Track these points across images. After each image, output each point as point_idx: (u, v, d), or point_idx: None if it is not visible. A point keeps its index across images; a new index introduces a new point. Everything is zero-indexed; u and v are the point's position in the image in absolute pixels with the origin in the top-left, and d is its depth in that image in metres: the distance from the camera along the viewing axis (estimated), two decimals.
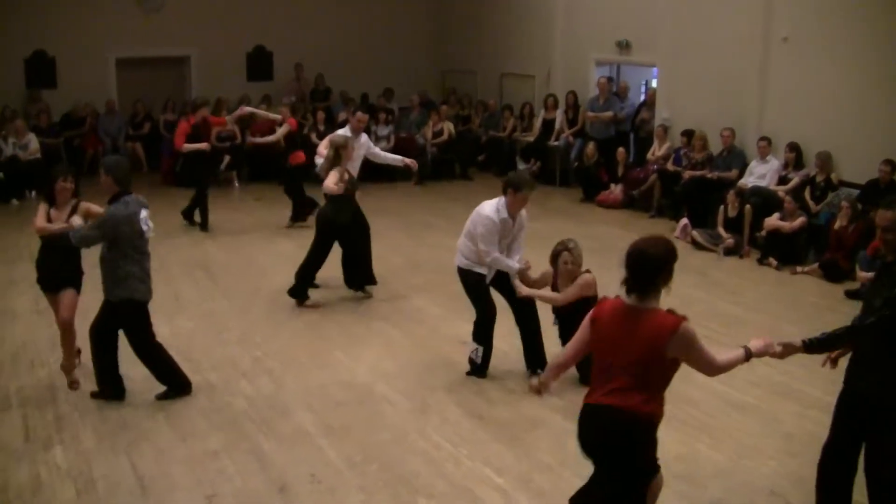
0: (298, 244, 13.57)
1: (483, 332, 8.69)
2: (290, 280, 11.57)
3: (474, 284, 8.68)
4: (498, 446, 7.27)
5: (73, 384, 8.29)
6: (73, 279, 8.32)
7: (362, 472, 6.85)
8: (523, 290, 8.37)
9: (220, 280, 11.92)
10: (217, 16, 20.59)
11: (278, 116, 15.33)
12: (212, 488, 6.59)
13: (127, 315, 7.92)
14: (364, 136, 11.58)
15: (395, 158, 12.05)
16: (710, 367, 5.06)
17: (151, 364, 8.16)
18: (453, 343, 9.57)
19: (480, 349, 8.70)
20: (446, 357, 9.18)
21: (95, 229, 7.73)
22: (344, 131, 11.32)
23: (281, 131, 14.93)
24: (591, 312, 5.16)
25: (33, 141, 16.80)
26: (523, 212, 8.56)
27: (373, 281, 11.28)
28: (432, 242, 13.72)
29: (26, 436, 7.43)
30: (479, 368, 8.71)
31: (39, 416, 7.77)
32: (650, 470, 5.08)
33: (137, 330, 8.04)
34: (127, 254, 7.74)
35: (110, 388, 8.11)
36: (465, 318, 10.22)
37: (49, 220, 8.10)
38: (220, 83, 20.23)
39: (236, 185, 18.17)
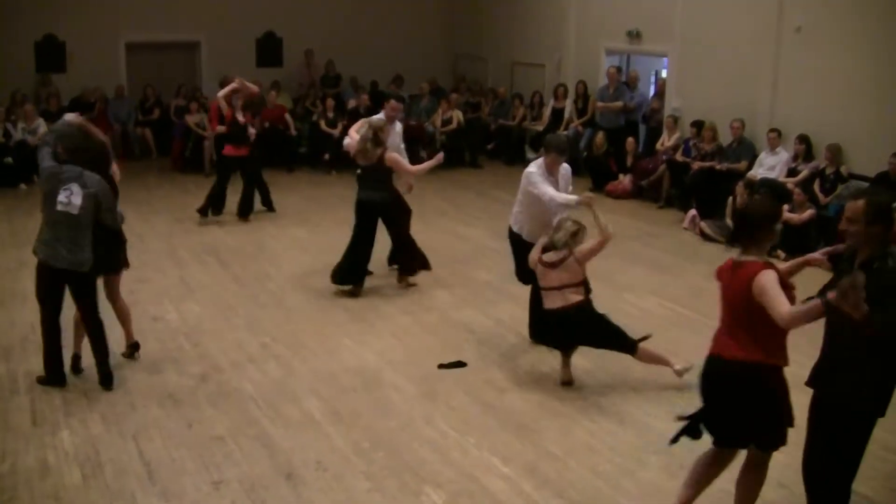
0: (309, 230, 13.66)
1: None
2: (300, 266, 11.62)
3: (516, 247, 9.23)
4: (505, 435, 7.27)
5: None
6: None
7: (369, 459, 6.86)
8: (586, 195, 9.02)
9: (229, 265, 11.93)
10: (228, 1, 20.57)
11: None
12: (218, 473, 6.61)
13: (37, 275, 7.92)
14: (398, 125, 11.53)
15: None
16: (781, 318, 5.07)
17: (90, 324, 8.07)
18: (462, 330, 9.57)
19: None
20: (455, 344, 9.18)
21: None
22: (379, 118, 11.23)
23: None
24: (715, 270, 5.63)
25: (42, 126, 16.76)
26: (563, 167, 9.12)
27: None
28: (442, 229, 13.71)
29: (34, 420, 7.45)
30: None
31: (47, 401, 7.79)
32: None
33: (36, 290, 7.97)
34: (46, 214, 7.77)
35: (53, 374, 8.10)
36: (474, 305, 10.26)
37: None
38: (230, 69, 20.09)
39: None
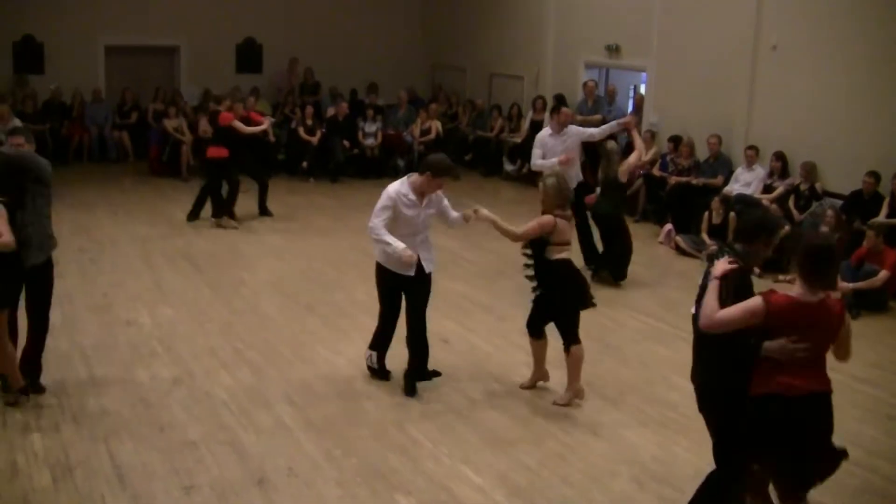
0: (285, 237, 13.63)
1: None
2: (274, 273, 11.61)
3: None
4: (477, 445, 7.27)
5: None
6: None
7: (340, 466, 6.85)
8: (483, 211, 8.01)
9: (203, 270, 11.89)
10: (208, 6, 20.57)
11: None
12: (189, 479, 6.58)
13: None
14: (572, 128, 12.07)
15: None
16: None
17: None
18: (436, 340, 9.54)
19: (374, 354, 8.56)
20: (429, 354, 9.15)
21: None
22: (545, 133, 11.93)
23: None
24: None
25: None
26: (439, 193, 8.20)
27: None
28: None
29: (4, 421, 7.37)
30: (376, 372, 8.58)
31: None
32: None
33: None
34: None
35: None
36: (449, 316, 10.26)
37: None
38: (208, 74, 20.24)
39: None
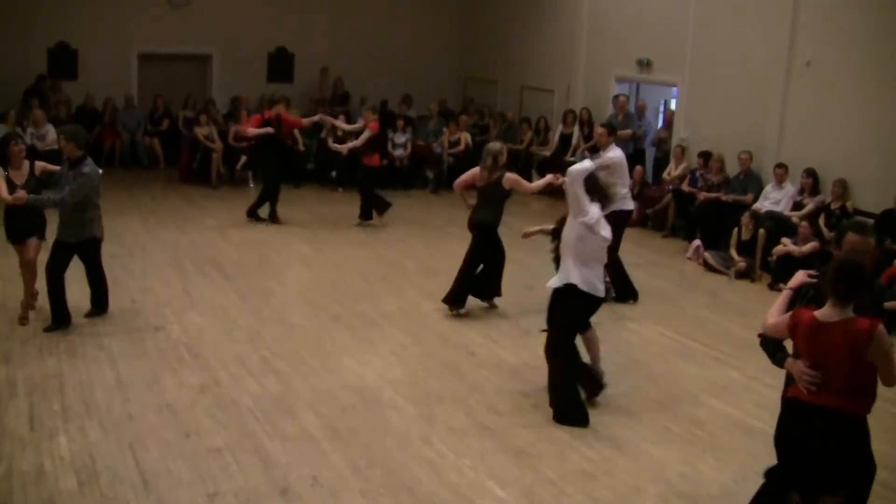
0: (314, 247, 13.66)
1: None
2: (303, 282, 11.64)
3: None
4: (502, 458, 7.25)
5: (24, 320, 9.71)
6: (40, 228, 9.83)
7: (365, 477, 6.85)
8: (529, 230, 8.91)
9: (232, 278, 11.93)
10: (241, 15, 20.69)
11: (357, 126, 15.96)
12: (214, 486, 6.60)
13: (94, 249, 9.72)
14: (614, 152, 11.28)
15: None
16: None
17: (101, 283, 10.02)
18: (463, 352, 9.56)
19: None
20: (455, 366, 9.17)
21: (80, 190, 9.18)
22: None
23: (364, 136, 15.09)
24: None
25: (51, 131, 16.78)
26: None
27: (499, 293, 11.11)
28: (446, 250, 13.69)
29: (32, 425, 7.44)
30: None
31: (46, 406, 7.79)
32: None
33: (98, 260, 9.84)
34: (91, 202, 9.43)
35: (63, 318, 9.58)
36: (475, 328, 10.25)
37: (10, 182, 9.39)
38: (240, 83, 20.38)
39: (251, 184, 18.18)
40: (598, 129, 11.76)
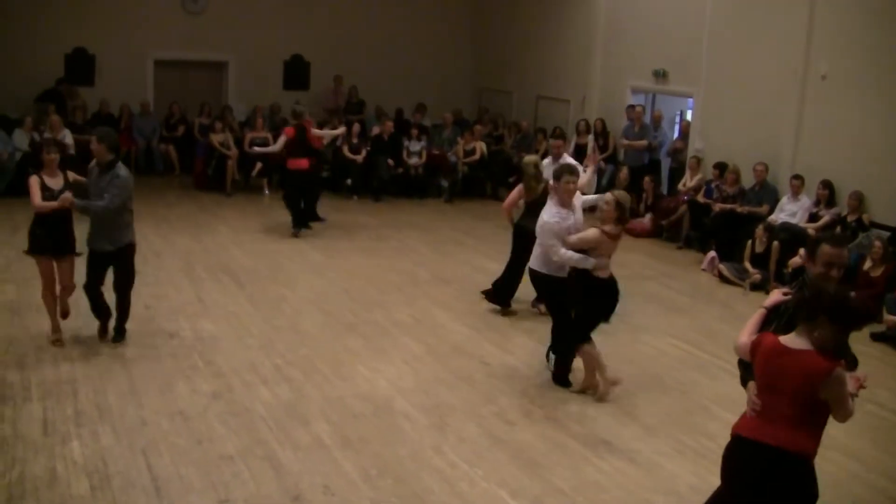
0: (327, 255, 13.67)
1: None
2: (315, 290, 11.65)
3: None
4: (513, 468, 7.24)
5: (59, 342, 9.35)
6: (72, 244, 9.37)
7: (376, 486, 6.84)
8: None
9: (245, 285, 11.95)
10: (257, 23, 20.77)
11: (338, 132, 16.80)
12: (225, 492, 6.60)
13: (130, 255, 9.34)
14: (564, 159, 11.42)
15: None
16: None
17: (128, 290, 9.50)
18: (476, 362, 9.55)
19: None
20: (468, 376, 9.16)
21: (120, 194, 8.93)
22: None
23: (280, 141, 14.96)
24: None
25: (68, 136, 16.88)
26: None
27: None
28: (460, 259, 13.71)
29: (45, 429, 7.46)
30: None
31: (59, 411, 7.81)
32: None
33: (132, 266, 9.45)
34: (127, 207, 9.12)
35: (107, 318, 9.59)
36: (488, 338, 10.24)
37: (47, 188, 9.00)
38: (256, 90, 20.44)
39: (267, 192, 18.22)
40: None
